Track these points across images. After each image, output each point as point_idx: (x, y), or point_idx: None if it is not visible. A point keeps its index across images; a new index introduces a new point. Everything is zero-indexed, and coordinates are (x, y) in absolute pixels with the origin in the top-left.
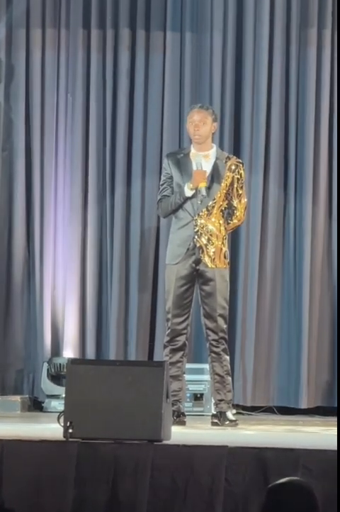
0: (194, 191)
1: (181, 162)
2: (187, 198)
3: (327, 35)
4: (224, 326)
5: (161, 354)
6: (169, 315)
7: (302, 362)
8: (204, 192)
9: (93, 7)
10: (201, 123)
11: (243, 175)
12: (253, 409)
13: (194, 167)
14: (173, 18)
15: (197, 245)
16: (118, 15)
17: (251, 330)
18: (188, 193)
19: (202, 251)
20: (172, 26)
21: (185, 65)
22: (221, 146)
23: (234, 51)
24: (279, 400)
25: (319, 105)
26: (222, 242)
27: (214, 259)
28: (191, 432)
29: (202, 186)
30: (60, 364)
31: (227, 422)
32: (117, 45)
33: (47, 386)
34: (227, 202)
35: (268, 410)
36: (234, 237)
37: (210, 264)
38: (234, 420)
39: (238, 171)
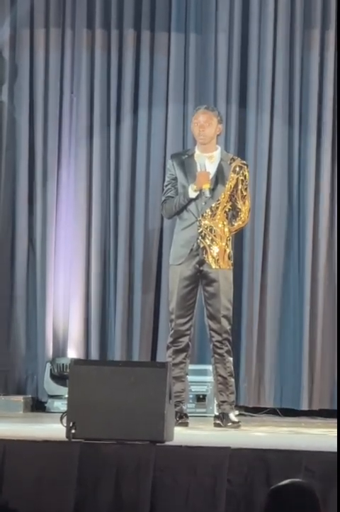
0: (198, 192)
1: (186, 163)
2: (191, 200)
3: (331, 35)
4: (228, 327)
5: (164, 355)
6: (173, 316)
7: (305, 365)
8: (208, 193)
9: (98, 7)
10: (206, 124)
11: (247, 177)
12: (257, 411)
13: (198, 169)
14: (178, 19)
15: (201, 245)
16: (123, 16)
17: (254, 332)
18: (192, 194)
19: (206, 252)
20: (176, 27)
21: (189, 66)
22: (226, 147)
23: (239, 52)
24: (282, 402)
25: (322, 104)
26: (226, 243)
27: (218, 260)
28: (194, 433)
29: (206, 187)
30: (63, 365)
31: (230, 423)
32: (122, 45)
33: (50, 386)
34: (231, 203)
35: (272, 412)
36: (238, 239)
37: (213, 265)
38: (237, 422)
39: (242, 173)
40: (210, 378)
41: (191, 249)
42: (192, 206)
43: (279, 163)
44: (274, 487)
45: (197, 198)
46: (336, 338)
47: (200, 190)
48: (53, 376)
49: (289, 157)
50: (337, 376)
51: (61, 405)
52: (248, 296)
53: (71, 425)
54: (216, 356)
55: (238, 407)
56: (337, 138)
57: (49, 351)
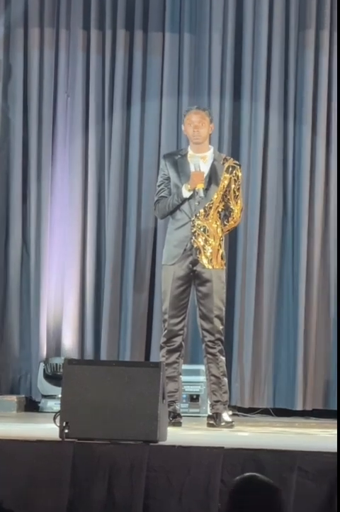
0: (192, 192)
1: (179, 162)
2: (184, 200)
3: (325, 36)
4: (221, 327)
5: (157, 354)
6: (166, 316)
7: (299, 365)
8: (202, 193)
9: (92, 8)
10: (200, 124)
11: (240, 177)
12: (250, 411)
13: (192, 169)
14: (172, 19)
15: (195, 245)
16: (117, 16)
17: (248, 332)
18: (186, 194)
19: (200, 252)
20: (171, 27)
21: (183, 66)
22: (220, 147)
23: (233, 52)
24: (276, 402)
25: (317, 104)
26: (219, 244)
27: (211, 260)
28: (187, 433)
29: (200, 187)
30: (56, 365)
31: (223, 423)
32: (116, 45)
33: (44, 386)
34: (223, 203)
35: (265, 412)
36: (232, 239)
37: (207, 265)
38: (230, 422)
39: (235, 173)
40: (203, 378)
41: (184, 249)
42: (185, 206)
43: (274, 163)
44: (234, 484)
45: (190, 198)
46: (332, 337)
47: (194, 190)
48: (46, 376)
49: (284, 157)
50: (337, 376)
51: (54, 405)
52: (242, 296)
53: (64, 424)
54: (208, 356)
55: (231, 407)
56: (337, 136)
57: (43, 351)
